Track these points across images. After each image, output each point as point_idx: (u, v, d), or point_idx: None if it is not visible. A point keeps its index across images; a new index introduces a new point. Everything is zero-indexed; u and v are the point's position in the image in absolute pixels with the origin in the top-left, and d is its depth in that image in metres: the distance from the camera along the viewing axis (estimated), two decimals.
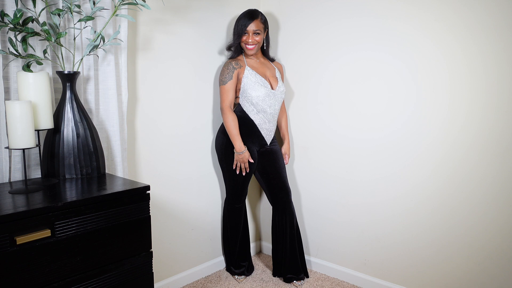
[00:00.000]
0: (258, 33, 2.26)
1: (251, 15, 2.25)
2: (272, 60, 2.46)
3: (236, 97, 2.31)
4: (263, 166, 2.39)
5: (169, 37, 2.17)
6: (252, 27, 2.23)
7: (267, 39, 2.37)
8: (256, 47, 2.27)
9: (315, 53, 2.44)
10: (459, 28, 1.91)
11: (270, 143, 2.40)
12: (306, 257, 2.63)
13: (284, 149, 2.49)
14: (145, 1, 1.62)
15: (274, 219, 2.45)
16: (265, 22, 2.30)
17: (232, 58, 2.32)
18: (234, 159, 2.28)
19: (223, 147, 2.33)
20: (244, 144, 2.28)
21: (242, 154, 2.24)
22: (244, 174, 2.30)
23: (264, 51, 2.40)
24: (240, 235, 2.48)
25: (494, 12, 1.81)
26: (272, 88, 2.32)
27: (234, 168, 2.30)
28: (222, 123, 2.35)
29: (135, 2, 1.61)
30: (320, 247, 2.58)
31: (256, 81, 2.25)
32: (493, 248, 1.93)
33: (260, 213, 2.89)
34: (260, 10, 2.57)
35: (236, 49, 2.32)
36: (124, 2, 1.61)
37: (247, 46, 2.26)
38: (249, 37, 2.24)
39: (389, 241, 2.26)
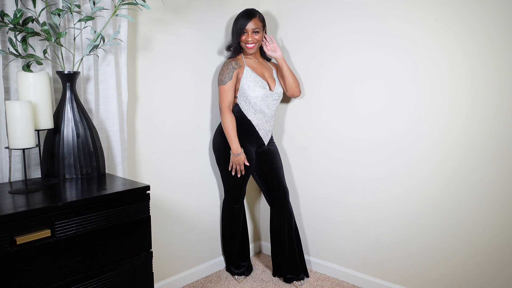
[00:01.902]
0: (257, 31, 2.26)
1: (249, 14, 2.25)
2: (269, 60, 2.46)
3: (235, 97, 2.31)
4: (261, 167, 2.39)
5: (169, 37, 2.17)
6: (251, 25, 2.23)
7: (265, 38, 2.37)
8: (256, 45, 2.27)
9: (315, 53, 2.43)
10: (459, 28, 1.91)
11: (268, 143, 2.40)
12: (306, 257, 2.63)
13: None
14: (145, 1, 1.62)
15: (272, 219, 2.45)
16: (263, 21, 2.30)
17: (231, 57, 2.32)
18: (230, 160, 2.28)
19: (220, 147, 2.32)
20: (242, 144, 2.28)
21: (238, 156, 2.24)
22: (239, 176, 2.30)
23: (262, 50, 2.40)
24: (239, 235, 2.48)
25: (494, 12, 1.81)
26: (270, 89, 2.32)
27: (229, 169, 2.30)
28: (220, 124, 2.35)
29: (135, 2, 1.61)
30: (320, 247, 2.58)
31: (255, 82, 2.25)
32: (493, 248, 1.93)
33: (259, 213, 2.89)
34: (259, 10, 2.57)
35: (235, 49, 2.31)
36: (124, 2, 1.61)
37: (247, 45, 2.26)
38: (249, 36, 2.24)
39: (389, 241, 2.26)
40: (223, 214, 2.48)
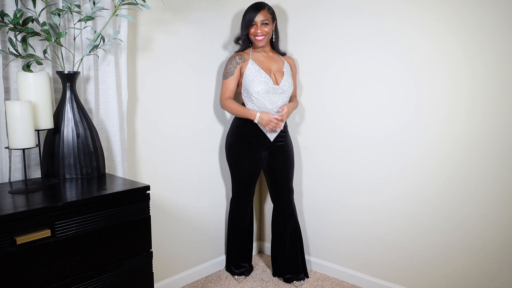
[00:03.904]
0: (267, 24, 2.22)
1: (258, 6, 2.22)
2: (283, 54, 2.39)
3: (239, 92, 2.31)
4: (269, 165, 2.36)
5: (169, 37, 2.17)
6: (259, 17, 2.19)
7: (275, 31, 2.32)
8: (265, 38, 2.23)
9: (316, 53, 2.43)
10: (459, 28, 1.91)
11: (276, 140, 2.31)
12: (306, 257, 2.63)
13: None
14: (145, 1, 1.62)
15: (274, 218, 2.45)
16: (273, 13, 2.26)
17: (238, 51, 2.30)
18: (266, 127, 2.21)
19: (229, 146, 2.34)
20: (249, 143, 2.27)
21: (260, 119, 2.19)
22: (269, 134, 2.24)
23: (273, 44, 2.34)
24: (241, 236, 2.47)
25: (494, 12, 1.81)
26: (277, 83, 2.26)
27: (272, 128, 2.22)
28: (232, 122, 2.35)
29: (135, 2, 1.61)
30: (320, 247, 2.58)
31: (256, 76, 2.22)
32: (493, 248, 1.92)
33: (261, 213, 2.89)
34: None
35: (244, 42, 2.29)
36: (124, 2, 1.61)
37: (256, 37, 2.23)
38: (258, 28, 2.21)
39: (389, 241, 2.26)
40: (229, 212, 2.48)
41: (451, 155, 2.00)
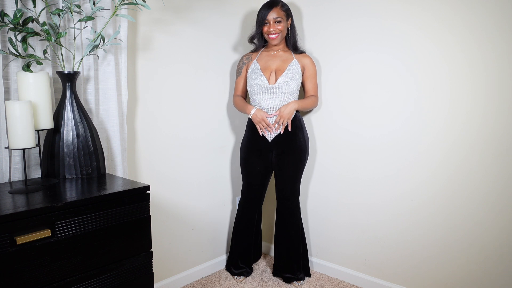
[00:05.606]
0: (280, 21, 2.18)
1: (271, 4, 2.19)
2: (300, 52, 2.29)
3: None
4: (274, 165, 2.33)
5: (169, 37, 2.17)
6: (272, 15, 2.16)
7: (291, 28, 2.27)
8: (279, 36, 2.20)
9: (318, 54, 2.43)
10: (459, 28, 1.91)
11: (279, 141, 2.25)
12: None
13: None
14: (145, 1, 1.62)
15: (277, 217, 2.43)
16: (287, 10, 2.22)
17: (251, 51, 2.33)
18: (258, 124, 2.20)
19: (240, 147, 2.39)
20: (251, 146, 2.28)
21: (253, 115, 2.19)
22: (267, 133, 2.21)
23: (287, 42, 2.28)
24: (242, 238, 2.46)
25: (494, 12, 1.81)
26: (274, 82, 2.21)
27: (261, 134, 2.23)
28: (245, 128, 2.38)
29: (135, 2, 1.61)
30: (320, 247, 2.58)
31: (252, 77, 2.23)
32: (494, 249, 1.92)
33: (262, 213, 2.89)
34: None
35: (258, 41, 2.28)
36: (124, 2, 1.61)
37: (270, 36, 2.20)
38: (271, 26, 2.18)
39: (390, 241, 2.26)
40: (236, 212, 2.49)
41: (451, 155, 2.00)
